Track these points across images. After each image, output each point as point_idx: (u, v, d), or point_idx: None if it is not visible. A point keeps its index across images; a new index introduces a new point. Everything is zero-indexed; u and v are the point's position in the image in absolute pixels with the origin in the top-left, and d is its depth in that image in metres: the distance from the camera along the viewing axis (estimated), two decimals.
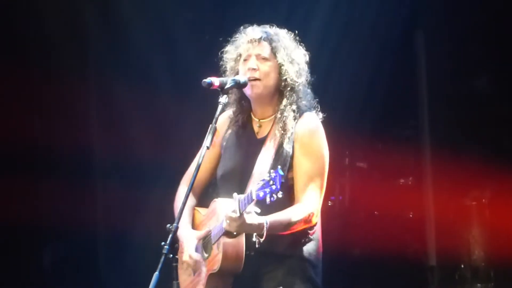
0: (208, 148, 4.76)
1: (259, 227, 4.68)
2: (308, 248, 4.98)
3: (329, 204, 7.92)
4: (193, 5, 8.26)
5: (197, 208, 5.22)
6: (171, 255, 4.60)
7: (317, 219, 4.93)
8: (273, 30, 5.11)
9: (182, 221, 4.89)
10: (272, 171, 4.53)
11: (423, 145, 8.36)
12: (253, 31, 5.08)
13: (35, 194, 8.29)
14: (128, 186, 8.31)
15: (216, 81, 4.90)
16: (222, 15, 8.01)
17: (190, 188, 4.74)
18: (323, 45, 7.71)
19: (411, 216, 8.30)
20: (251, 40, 5.05)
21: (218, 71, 5.17)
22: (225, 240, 4.81)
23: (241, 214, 4.63)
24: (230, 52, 5.11)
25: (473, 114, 8.12)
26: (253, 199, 4.57)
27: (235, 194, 4.68)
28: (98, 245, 8.53)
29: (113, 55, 8.36)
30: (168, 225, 4.65)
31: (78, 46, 8.37)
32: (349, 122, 7.65)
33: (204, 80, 4.90)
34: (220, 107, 4.87)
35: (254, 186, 4.58)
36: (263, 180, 4.54)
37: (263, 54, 5.02)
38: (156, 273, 4.49)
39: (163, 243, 4.59)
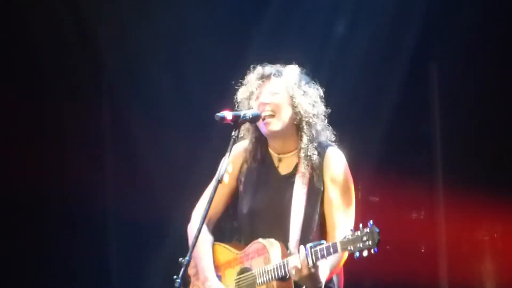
0: (220, 182, 4.78)
1: (319, 284, 4.73)
2: (335, 279, 5.02)
3: None
4: (208, 37, 8.28)
5: (219, 243, 5.18)
6: None
7: None
8: (282, 67, 5.16)
9: (202, 253, 5.00)
10: (366, 229, 4.56)
11: (435, 178, 8.32)
12: (263, 69, 5.14)
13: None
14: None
15: (229, 115, 4.94)
16: (238, 47, 8.03)
17: (202, 222, 4.75)
18: (335, 78, 7.74)
19: (423, 251, 8.26)
20: (261, 76, 5.10)
21: (232, 105, 5.20)
22: (278, 283, 4.81)
23: (313, 265, 4.64)
24: (242, 92, 5.16)
25: (486, 146, 8.08)
26: (337, 251, 4.59)
27: (305, 247, 4.66)
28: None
29: (128, 87, 8.42)
30: (180, 259, 4.66)
31: (93, 80, 8.42)
32: (361, 155, 7.64)
33: (217, 114, 4.93)
34: (232, 141, 4.90)
35: (340, 238, 4.59)
36: (355, 234, 4.56)
37: (274, 89, 5.07)
38: None
39: (175, 276, 4.60)
